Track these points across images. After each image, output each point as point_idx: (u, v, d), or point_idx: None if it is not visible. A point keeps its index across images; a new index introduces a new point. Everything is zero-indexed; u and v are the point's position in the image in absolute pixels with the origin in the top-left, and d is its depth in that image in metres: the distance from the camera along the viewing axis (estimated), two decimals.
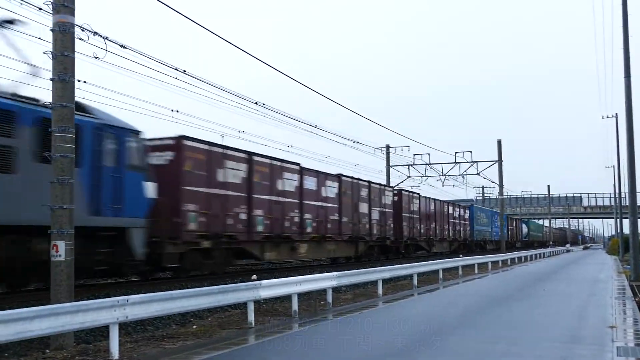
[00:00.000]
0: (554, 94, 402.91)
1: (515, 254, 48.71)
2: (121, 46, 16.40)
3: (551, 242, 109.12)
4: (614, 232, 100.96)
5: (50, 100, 10.79)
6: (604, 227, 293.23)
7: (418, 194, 45.10)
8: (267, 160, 24.41)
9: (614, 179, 71.63)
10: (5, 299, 14.53)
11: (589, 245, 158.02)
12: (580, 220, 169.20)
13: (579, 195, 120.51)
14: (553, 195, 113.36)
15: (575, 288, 21.90)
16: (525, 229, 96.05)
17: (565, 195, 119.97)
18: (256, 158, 23.58)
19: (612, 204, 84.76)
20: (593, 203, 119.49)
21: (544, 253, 62.28)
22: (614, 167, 79.51)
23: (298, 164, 26.97)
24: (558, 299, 17.94)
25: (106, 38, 14.01)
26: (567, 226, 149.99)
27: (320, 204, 28.67)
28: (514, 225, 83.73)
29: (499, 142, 52.22)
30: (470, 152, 52.02)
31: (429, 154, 51.74)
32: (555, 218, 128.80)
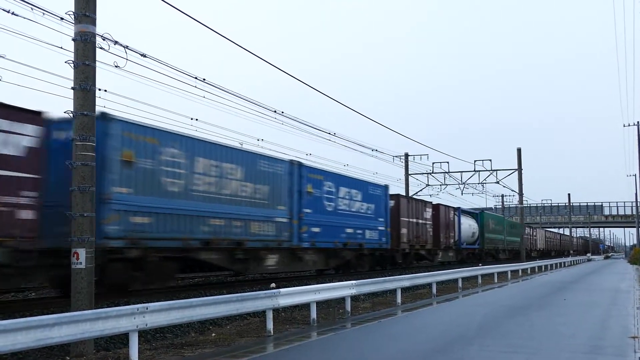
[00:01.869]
0: (575, 102, 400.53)
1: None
2: (142, 55, 16.52)
3: (571, 251, 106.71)
4: (635, 241, 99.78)
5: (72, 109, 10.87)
6: (626, 236, 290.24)
7: None
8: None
9: (635, 188, 71.20)
10: (26, 305, 14.67)
11: (610, 254, 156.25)
12: (601, 229, 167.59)
13: (600, 204, 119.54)
14: (574, 204, 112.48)
15: (596, 298, 21.68)
16: (470, 227, 50.48)
17: (586, 204, 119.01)
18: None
19: (634, 212, 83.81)
20: (614, 212, 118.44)
21: (564, 262, 61.53)
22: (635, 175, 79.04)
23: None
24: (579, 309, 17.77)
25: (127, 47, 14.13)
26: (586, 234, 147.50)
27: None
28: (421, 214, 38.98)
29: (519, 150, 51.88)
30: (490, 160, 51.68)
31: (448, 162, 51.46)
32: (576, 227, 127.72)
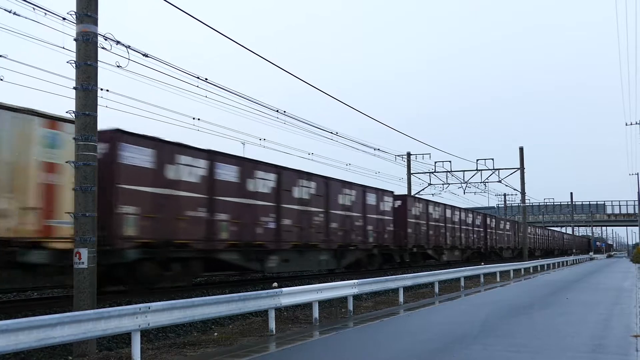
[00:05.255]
0: (577, 101, 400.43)
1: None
2: (143, 55, 16.48)
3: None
4: (638, 240, 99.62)
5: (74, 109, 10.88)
6: (628, 234, 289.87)
7: None
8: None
9: (638, 186, 71.05)
10: (28, 305, 14.68)
11: (612, 253, 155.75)
12: (604, 227, 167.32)
13: (603, 202, 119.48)
14: (576, 203, 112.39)
15: (599, 297, 21.65)
16: None
17: (588, 202, 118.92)
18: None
19: (636, 211, 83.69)
20: (617, 211, 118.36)
21: (566, 261, 61.17)
22: (637, 174, 78.90)
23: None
24: (581, 308, 17.75)
25: (129, 47, 14.11)
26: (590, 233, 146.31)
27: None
28: None
29: (521, 149, 51.83)
30: (492, 159, 51.51)
31: (450, 161, 51.36)
32: (579, 226, 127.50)
